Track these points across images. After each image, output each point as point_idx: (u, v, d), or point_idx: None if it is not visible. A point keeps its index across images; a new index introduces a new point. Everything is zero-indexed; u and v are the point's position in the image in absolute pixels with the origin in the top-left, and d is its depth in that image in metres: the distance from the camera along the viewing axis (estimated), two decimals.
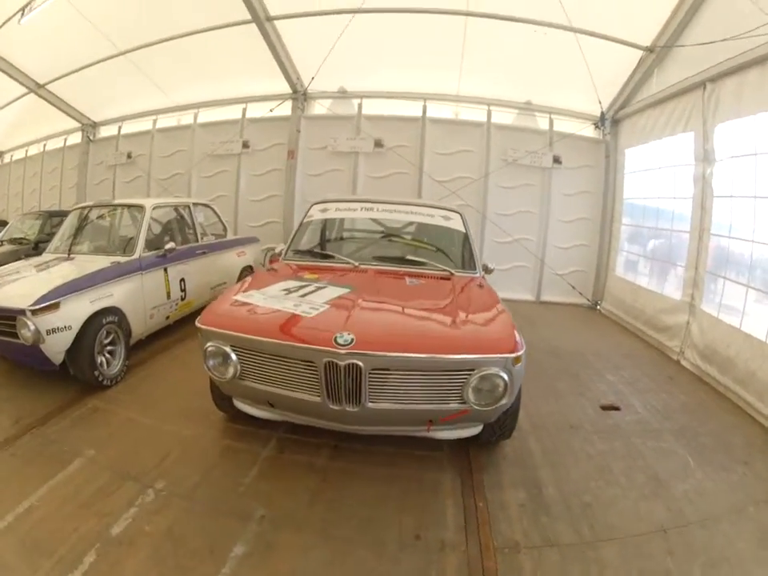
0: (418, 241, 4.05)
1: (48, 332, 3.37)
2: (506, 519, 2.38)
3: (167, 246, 4.76)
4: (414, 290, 3.20)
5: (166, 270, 4.79)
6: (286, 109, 7.76)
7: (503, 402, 2.40)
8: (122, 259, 4.40)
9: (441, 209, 4.12)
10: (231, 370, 2.52)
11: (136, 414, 3.37)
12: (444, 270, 3.57)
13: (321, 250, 4.04)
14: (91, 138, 9.52)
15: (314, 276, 3.27)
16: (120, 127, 9.15)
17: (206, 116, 8.37)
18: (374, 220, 4.22)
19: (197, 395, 3.51)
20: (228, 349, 2.50)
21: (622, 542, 2.27)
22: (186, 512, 2.35)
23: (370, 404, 2.33)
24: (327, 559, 2.08)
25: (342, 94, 7.71)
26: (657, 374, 4.64)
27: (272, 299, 2.80)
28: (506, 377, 2.33)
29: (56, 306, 3.44)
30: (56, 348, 3.50)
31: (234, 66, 7.33)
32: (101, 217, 5.29)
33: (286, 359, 2.40)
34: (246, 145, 8.06)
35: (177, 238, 5.27)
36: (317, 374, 2.33)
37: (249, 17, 6.11)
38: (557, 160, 7.37)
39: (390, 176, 7.75)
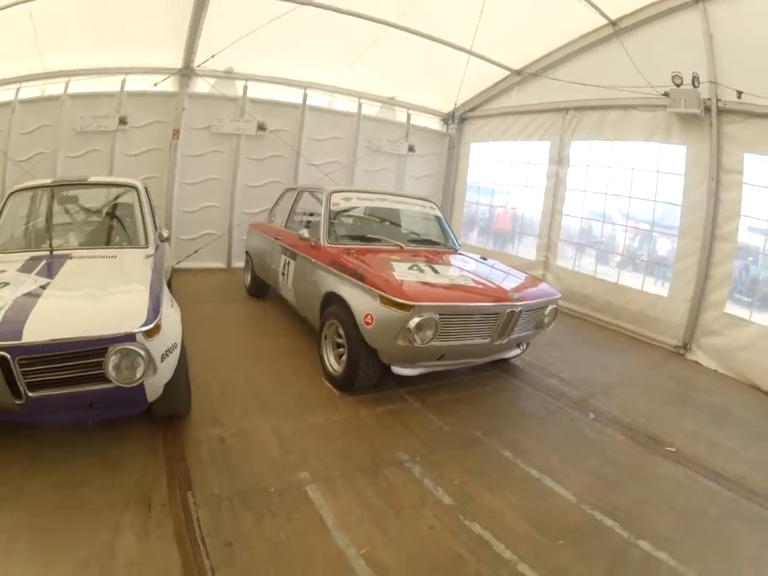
0: (419, 225, 5.76)
1: (162, 357, 2.82)
2: (569, 389, 4.65)
3: (166, 234, 4.56)
4: (464, 262, 4.95)
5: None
6: (167, 85, 7.84)
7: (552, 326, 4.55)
8: (148, 252, 4.09)
9: (425, 200, 5.88)
10: (431, 334, 3.61)
11: (269, 423, 3.56)
12: (451, 248, 5.46)
13: (360, 234, 5.23)
14: None
15: (398, 257, 4.57)
16: None
17: (79, 86, 7.72)
18: (388, 209, 5.62)
19: (280, 383, 4.24)
20: (437, 317, 3.61)
21: (619, 386, 4.82)
22: (454, 461, 3.27)
23: (513, 335, 4.12)
24: (561, 434, 3.79)
25: (229, 74, 8.19)
26: None
27: (430, 276, 4.10)
28: (555, 310, 4.46)
29: (160, 320, 2.87)
30: (164, 377, 2.95)
31: (120, 32, 7.03)
32: (70, 200, 4.76)
33: (477, 316, 3.79)
34: (123, 121, 7.80)
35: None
36: (496, 322, 3.87)
37: None
38: (411, 149, 9.70)
39: (268, 158, 8.75)
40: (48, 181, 4.81)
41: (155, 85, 7.64)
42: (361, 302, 3.92)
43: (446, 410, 3.98)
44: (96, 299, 3.01)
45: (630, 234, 6.83)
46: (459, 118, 9.69)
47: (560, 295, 4.61)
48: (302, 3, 6.62)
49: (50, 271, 3.43)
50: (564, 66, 7.60)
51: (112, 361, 2.57)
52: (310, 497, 2.78)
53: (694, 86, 5.71)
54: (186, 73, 7.94)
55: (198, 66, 7.80)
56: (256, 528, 2.52)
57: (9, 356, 2.48)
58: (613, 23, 6.78)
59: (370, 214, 5.76)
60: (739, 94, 5.46)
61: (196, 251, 8.28)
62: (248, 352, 5.00)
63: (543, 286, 4.75)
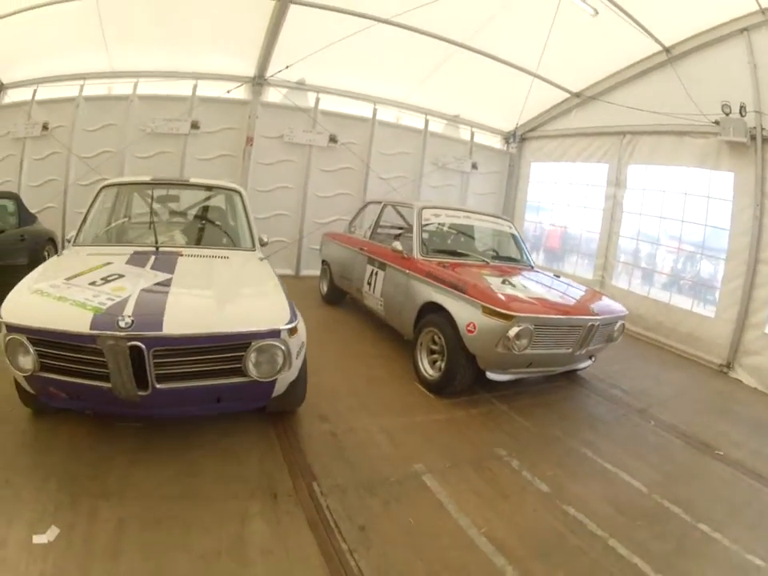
0: (498, 242, 6.48)
1: (297, 354, 2.99)
2: (630, 399, 5.40)
3: (266, 239, 4.79)
4: (543, 278, 5.61)
5: None
6: (238, 92, 8.34)
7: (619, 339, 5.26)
8: (258, 255, 4.40)
9: (503, 219, 6.60)
10: (526, 342, 4.17)
11: (374, 421, 3.99)
12: (528, 265, 6.16)
13: (448, 249, 5.79)
14: None
15: (487, 272, 5.17)
16: (35, 91, 8.14)
17: (147, 87, 8.18)
18: (471, 226, 6.35)
19: (376, 384, 4.73)
20: (532, 327, 4.16)
21: (672, 399, 5.57)
22: (543, 456, 3.87)
23: (589, 347, 4.77)
24: (628, 436, 4.54)
25: (302, 86, 8.81)
26: None
27: (520, 290, 4.71)
28: (623, 325, 5.16)
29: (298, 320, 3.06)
30: (293, 375, 3.11)
31: (192, 37, 7.43)
32: (169, 198, 5.01)
33: (564, 327, 4.36)
34: (195, 125, 8.30)
35: None
36: (578, 334, 4.47)
37: None
38: (474, 166, 10.45)
39: (339, 170, 9.44)
40: (146, 178, 4.95)
41: (228, 92, 8.10)
42: (463, 311, 4.42)
43: (529, 413, 4.70)
44: (229, 296, 3.19)
45: (681, 257, 7.57)
46: (520, 138, 10.42)
47: (627, 312, 5.27)
48: (378, 21, 7.09)
49: (165, 267, 3.44)
50: (621, 91, 8.19)
51: (253, 356, 2.70)
52: (427, 485, 3.22)
53: (741, 114, 6.24)
54: (260, 82, 8.47)
55: (272, 76, 8.23)
56: (384, 513, 2.86)
57: (144, 347, 2.50)
58: (666, 50, 7.39)
59: (455, 230, 6.40)
60: None
61: (267, 257, 8.85)
62: (339, 355, 5.48)
63: (609, 301, 5.38)
